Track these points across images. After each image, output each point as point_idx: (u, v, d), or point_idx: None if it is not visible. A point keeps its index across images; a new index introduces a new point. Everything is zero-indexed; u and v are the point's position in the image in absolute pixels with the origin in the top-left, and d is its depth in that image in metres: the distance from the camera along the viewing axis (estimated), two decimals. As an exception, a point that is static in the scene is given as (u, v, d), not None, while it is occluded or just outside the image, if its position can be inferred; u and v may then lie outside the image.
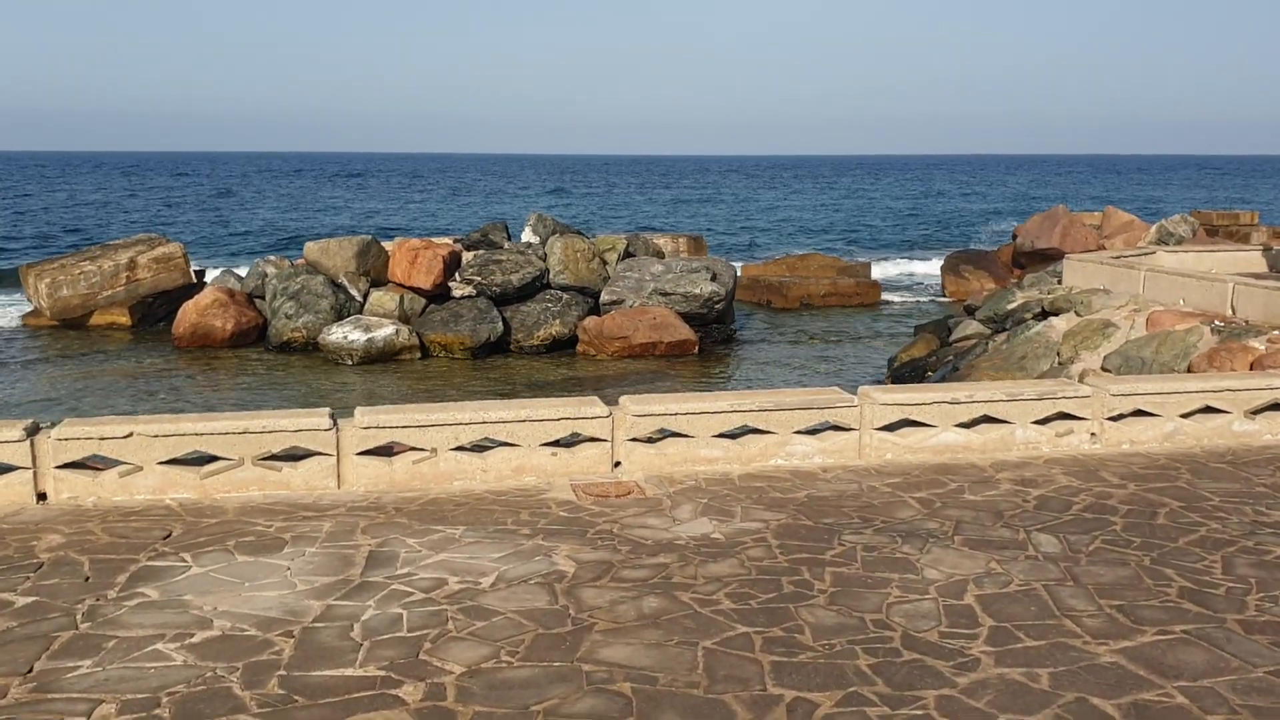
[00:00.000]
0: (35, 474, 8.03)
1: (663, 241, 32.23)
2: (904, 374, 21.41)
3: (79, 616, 5.90)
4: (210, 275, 31.45)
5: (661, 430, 9.01)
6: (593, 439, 8.78)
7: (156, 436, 8.16)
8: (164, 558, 6.86)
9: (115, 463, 8.22)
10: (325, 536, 7.30)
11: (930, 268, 43.51)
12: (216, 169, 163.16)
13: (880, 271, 40.93)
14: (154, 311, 29.54)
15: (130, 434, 8.12)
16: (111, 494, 8.13)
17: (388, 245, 27.27)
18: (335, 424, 8.49)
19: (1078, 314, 18.70)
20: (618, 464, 8.83)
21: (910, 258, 50.35)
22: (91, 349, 26.24)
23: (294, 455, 8.53)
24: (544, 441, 8.67)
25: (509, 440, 8.64)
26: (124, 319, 28.91)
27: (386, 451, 8.67)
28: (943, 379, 19.35)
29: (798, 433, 9.14)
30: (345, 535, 7.33)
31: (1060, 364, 17.74)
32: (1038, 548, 7.10)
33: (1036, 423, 9.66)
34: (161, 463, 8.22)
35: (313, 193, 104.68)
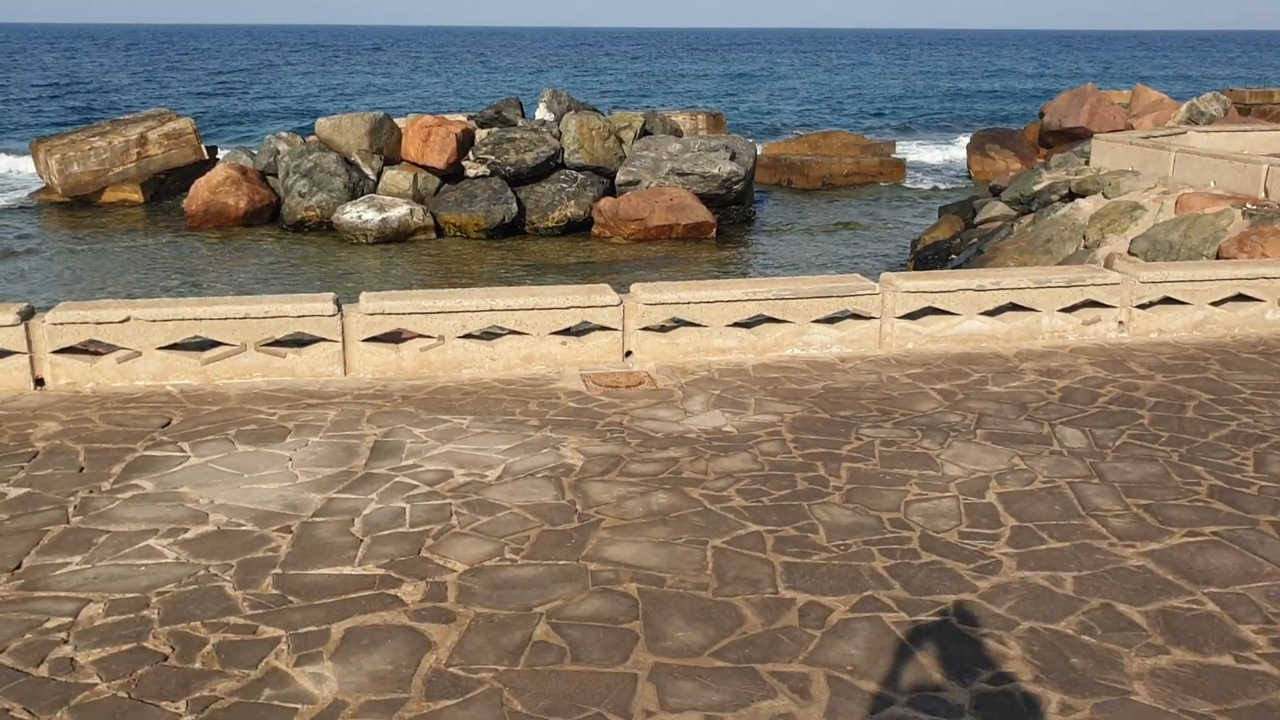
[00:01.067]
0: (31, 359, 7.84)
1: (681, 119, 31.44)
2: (927, 256, 20.99)
3: (71, 510, 5.74)
4: (223, 153, 30.95)
5: (674, 319, 8.73)
6: (603, 328, 8.51)
7: (155, 321, 7.94)
8: (162, 447, 6.68)
9: (115, 348, 8.02)
10: (330, 425, 7.12)
11: (958, 147, 42.53)
12: (224, 45, 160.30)
13: (906, 150, 40.02)
14: (166, 188, 29.17)
15: (127, 318, 7.89)
16: (111, 380, 7.94)
17: (400, 123, 26.67)
18: (340, 309, 8.24)
19: (1105, 196, 18.17)
20: (628, 354, 8.58)
21: (938, 138, 49.22)
22: (103, 227, 25.96)
23: (299, 341, 8.32)
24: (553, 330, 8.42)
25: (518, 328, 8.39)
26: (136, 196, 28.57)
27: (394, 338, 8.44)
28: (966, 262, 18.93)
29: (816, 322, 8.84)
30: (350, 424, 7.14)
31: (1086, 247, 17.31)
32: (1062, 442, 6.85)
33: (1063, 311, 9.34)
34: (161, 348, 8.01)
35: (331, 68, 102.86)
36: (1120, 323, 9.43)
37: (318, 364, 8.21)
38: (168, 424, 7.12)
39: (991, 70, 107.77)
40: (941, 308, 9.10)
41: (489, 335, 8.43)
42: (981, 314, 9.18)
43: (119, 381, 7.96)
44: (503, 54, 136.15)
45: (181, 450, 6.65)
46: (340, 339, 8.20)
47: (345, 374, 8.25)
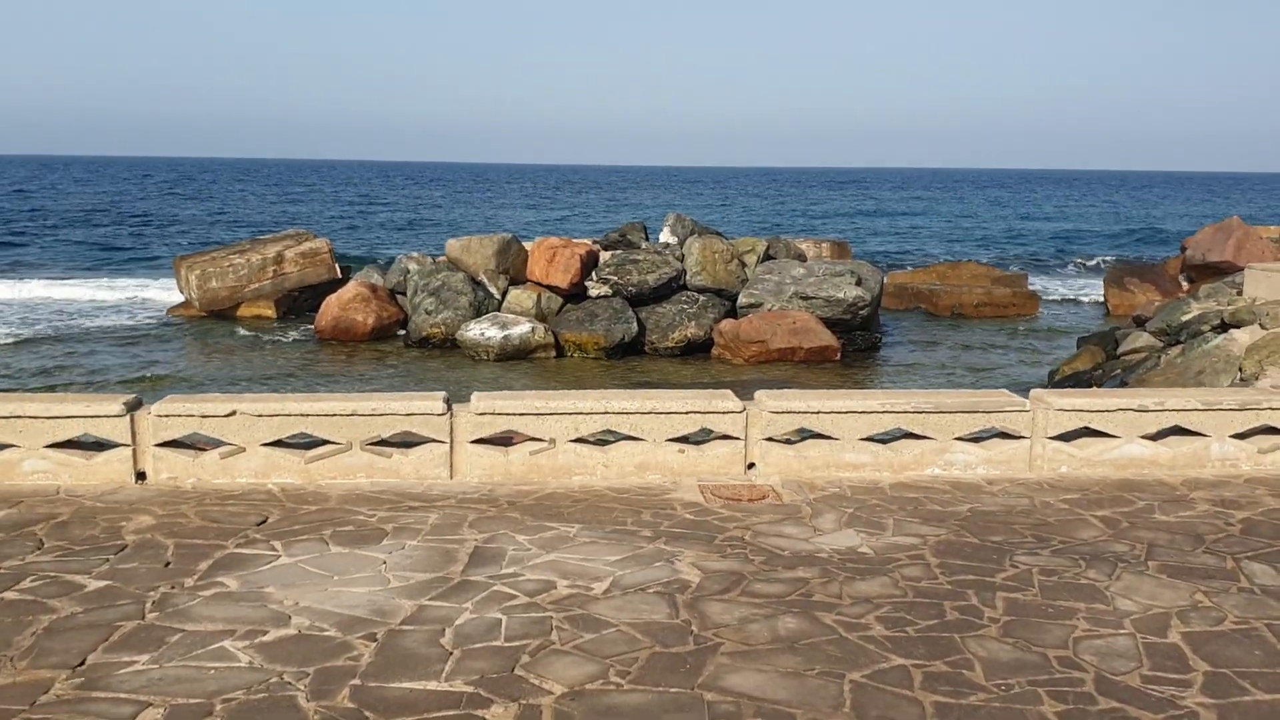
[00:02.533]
0: (135, 451, 7.59)
1: (805, 245, 31.08)
2: (1067, 387, 19.93)
3: (148, 605, 5.33)
4: (355, 274, 31.61)
5: (801, 431, 8.11)
6: (724, 436, 7.93)
7: (260, 416, 7.65)
8: (253, 545, 6.28)
9: (219, 443, 7.74)
10: (429, 529, 6.64)
11: (1093, 281, 41.25)
12: (371, 176, 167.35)
13: (1038, 283, 38.93)
14: (299, 305, 29.79)
15: (233, 412, 7.62)
16: (212, 476, 7.64)
17: (527, 244, 26.92)
18: (450, 409, 7.84)
19: (1263, 326, 17.03)
20: (751, 465, 7.96)
21: (1071, 273, 47.94)
22: (233, 339, 26.52)
23: (406, 442, 7.93)
24: (670, 436, 7.86)
25: (633, 434, 7.87)
26: (269, 312, 29.22)
27: (504, 441, 8.00)
28: (1110, 393, 17.87)
29: (959, 439, 8.12)
30: (451, 529, 6.65)
31: (1243, 379, 16.14)
32: (1252, 579, 5.97)
33: (1235, 436, 8.43)
34: (265, 444, 7.70)
35: (471, 197, 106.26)
36: (1301, 452, 8.47)
37: (423, 465, 7.79)
38: (263, 522, 6.73)
39: (1133, 206, 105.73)
40: (1098, 428, 8.29)
41: (602, 441, 7.92)
42: (1143, 437, 8.34)
43: (220, 478, 7.65)
44: (633, 189, 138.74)
45: (273, 549, 6.23)
46: (448, 440, 7.79)
47: (451, 476, 7.80)
